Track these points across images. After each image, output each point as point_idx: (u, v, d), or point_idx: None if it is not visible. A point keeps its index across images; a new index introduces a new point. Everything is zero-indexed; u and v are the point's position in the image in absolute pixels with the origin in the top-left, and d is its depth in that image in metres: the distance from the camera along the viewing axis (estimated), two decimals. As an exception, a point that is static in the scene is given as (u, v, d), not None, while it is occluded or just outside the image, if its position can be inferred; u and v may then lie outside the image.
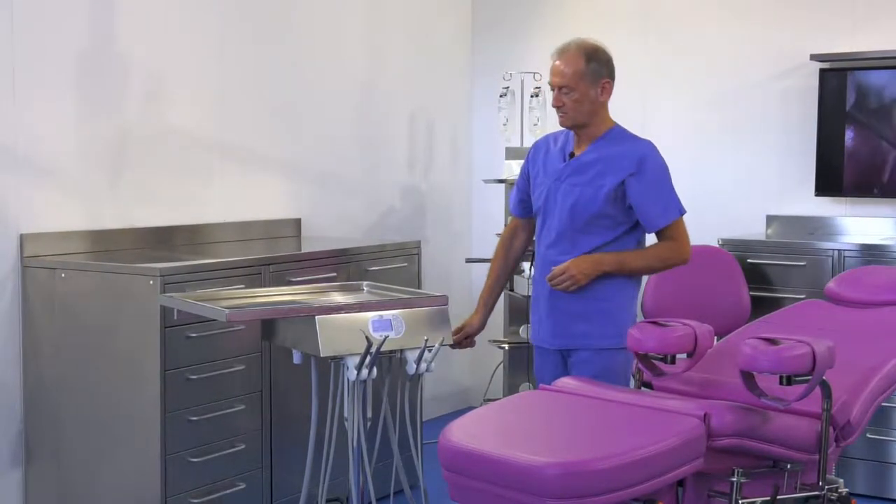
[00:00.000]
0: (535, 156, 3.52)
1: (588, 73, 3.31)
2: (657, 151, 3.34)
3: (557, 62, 3.36)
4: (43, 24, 3.77)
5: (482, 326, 3.63)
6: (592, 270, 3.30)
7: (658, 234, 3.36)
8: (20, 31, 3.70)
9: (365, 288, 3.54)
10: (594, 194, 3.29)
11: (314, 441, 3.26)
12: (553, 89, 3.36)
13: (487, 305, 3.63)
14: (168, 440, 3.51)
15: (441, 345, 3.11)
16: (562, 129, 3.47)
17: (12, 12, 3.68)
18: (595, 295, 3.33)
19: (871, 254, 4.51)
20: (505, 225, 5.20)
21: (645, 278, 3.50)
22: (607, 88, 3.35)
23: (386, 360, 3.22)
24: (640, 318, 3.90)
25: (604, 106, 3.37)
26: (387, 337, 3.03)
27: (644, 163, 3.29)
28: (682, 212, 3.34)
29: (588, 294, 3.33)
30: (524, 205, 3.55)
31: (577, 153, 3.39)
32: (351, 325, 3.04)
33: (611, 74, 3.37)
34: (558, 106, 3.35)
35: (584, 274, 3.29)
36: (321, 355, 3.02)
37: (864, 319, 3.29)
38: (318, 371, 3.27)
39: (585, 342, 3.35)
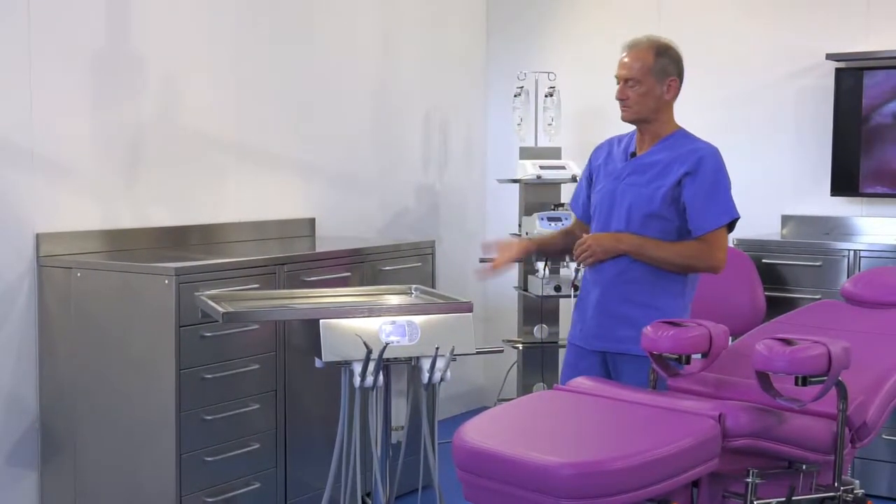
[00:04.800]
0: (596, 157, 3.48)
1: (656, 68, 3.26)
2: (719, 155, 3.27)
3: (626, 55, 3.30)
4: (59, 24, 3.79)
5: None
6: (610, 246, 3.25)
7: (697, 238, 3.26)
8: (37, 31, 3.72)
9: (413, 292, 3.46)
10: (652, 195, 3.24)
11: (340, 444, 3.19)
12: (619, 82, 3.29)
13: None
14: (183, 439, 3.52)
15: (453, 354, 3.01)
16: (625, 132, 3.43)
17: (29, 12, 3.69)
18: (645, 301, 3.26)
19: (887, 254, 4.49)
20: (519, 225, 5.21)
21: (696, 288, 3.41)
22: (673, 87, 3.29)
23: (404, 367, 3.16)
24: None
25: (669, 105, 3.31)
26: (387, 345, 2.94)
27: (701, 163, 3.22)
28: (733, 217, 3.26)
29: (638, 299, 3.26)
30: (587, 208, 3.48)
31: (638, 153, 3.34)
32: (358, 330, 2.96)
33: (679, 74, 3.31)
34: (622, 99, 3.28)
35: (602, 247, 3.25)
36: (323, 360, 2.95)
37: (880, 320, 3.27)
38: (347, 375, 3.16)
39: (629, 348, 3.25)
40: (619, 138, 3.46)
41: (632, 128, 3.41)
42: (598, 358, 3.35)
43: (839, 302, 3.51)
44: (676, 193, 3.23)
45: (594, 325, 3.34)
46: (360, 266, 4.24)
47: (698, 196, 3.22)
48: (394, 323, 3.01)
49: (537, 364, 5.17)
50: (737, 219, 3.28)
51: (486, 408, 4.18)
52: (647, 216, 3.25)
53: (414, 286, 3.50)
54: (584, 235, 3.35)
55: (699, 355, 2.94)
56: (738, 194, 5.17)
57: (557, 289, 4.90)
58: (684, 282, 3.30)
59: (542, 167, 5.06)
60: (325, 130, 4.96)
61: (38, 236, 3.75)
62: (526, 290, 5.23)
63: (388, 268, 4.34)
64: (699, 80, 5.38)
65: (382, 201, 5.33)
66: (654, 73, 3.26)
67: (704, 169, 3.22)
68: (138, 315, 3.56)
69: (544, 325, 5.16)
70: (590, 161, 3.51)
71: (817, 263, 4.62)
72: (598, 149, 3.51)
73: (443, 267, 5.32)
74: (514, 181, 5.23)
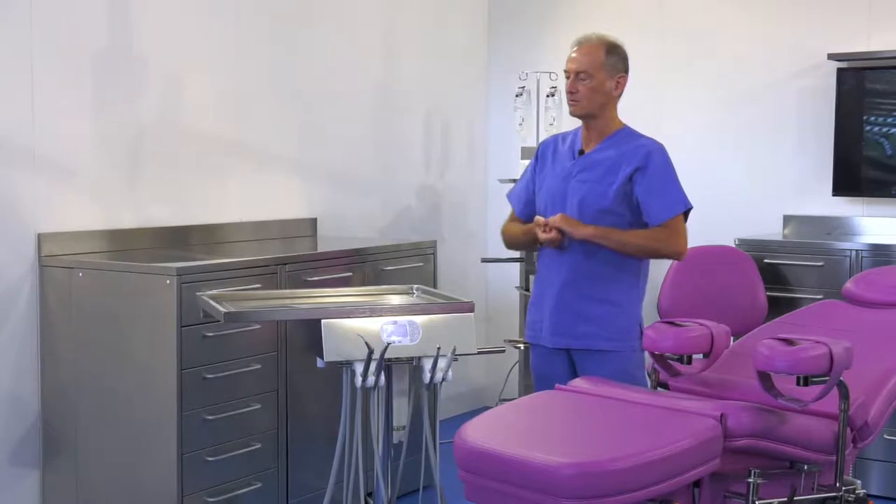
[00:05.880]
0: (543, 154, 3.52)
1: (607, 63, 3.33)
2: (665, 150, 3.35)
3: (576, 50, 3.38)
4: (61, 25, 3.79)
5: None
6: (570, 227, 3.27)
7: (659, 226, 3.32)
8: (38, 32, 3.72)
9: (415, 292, 3.46)
10: (604, 191, 3.30)
11: (341, 444, 3.18)
12: (568, 77, 3.37)
13: None
14: (184, 439, 3.52)
15: (455, 354, 3.01)
16: (569, 130, 3.48)
17: (31, 13, 3.70)
18: (602, 297, 3.33)
19: (889, 254, 4.49)
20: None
21: (655, 281, 3.45)
22: (622, 84, 3.37)
23: (406, 367, 3.16)
24: (655, 318, 3.89)
25: (615, 102, 3.39)
26: (389, 345, 2.93)
27: (650, 158, 3.29)
28: (687, 206, 3.32)
29: (595, 295, 3.33)
30: (531, 206, 3.52)
31: (586, 150, 3.39)
32: (359, 330, 2.96)
33: (626, 71, 3.39)
34: (572, 92, 3.35)
35: (566, 223, 3.28)
36: (325, 360, 2.95)
37: (881, 320, 3.27)
38: (348, 375, 3.15)
39: (588, 343, 3.33)
40: (564, 136, 3.51)
41: (576, 124, 3.46)
42: (564, 355, 3.40)
43: (841, 302, 3.50)
44: (628, 189, 3.30)
45: (554, 324, 3.40)
46: (361, 266, 4.24)
47: (651, 190, 3.29)
48: (395, 323, 3.01)
49: (539, 364, 5.16)
50: (690, 209, 3.34)
51: (487, 408, 4.18)
52: (599, 211, 3.31)
53: (415, 286, 3.50)
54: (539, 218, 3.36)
55: (700, 355, 2.94)
56: (739, 194, 5.26)
57: (559, 289, 4.89)
58: (637, 274, 3.38)
59: (543, 167, 5.05)
60: (325, 130, 4.96)
61: (39, 236, 3.75)
62: (527, 289, 5.22)
63: (389, 268, 4.34)
64: (699, 80, 5.41)
65: (384, 201, 5.33)
66: (606, 68, 3.33)
67: (653, 164, 3.29)
68: (140, 315, 3.56)
69: (528, 324, 5.14)
70: (536, 156, 3.54)
71: (819, 263, 4.62)
72: (543, 145, 3.55)
73: (444, 267, 5.32)
74: (516, 181, 5.21)
